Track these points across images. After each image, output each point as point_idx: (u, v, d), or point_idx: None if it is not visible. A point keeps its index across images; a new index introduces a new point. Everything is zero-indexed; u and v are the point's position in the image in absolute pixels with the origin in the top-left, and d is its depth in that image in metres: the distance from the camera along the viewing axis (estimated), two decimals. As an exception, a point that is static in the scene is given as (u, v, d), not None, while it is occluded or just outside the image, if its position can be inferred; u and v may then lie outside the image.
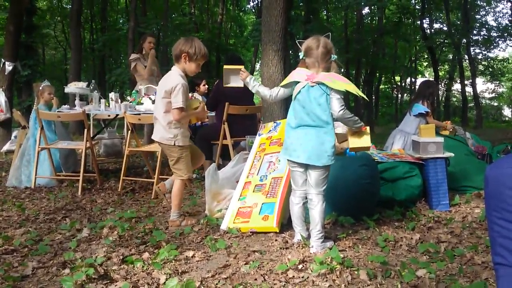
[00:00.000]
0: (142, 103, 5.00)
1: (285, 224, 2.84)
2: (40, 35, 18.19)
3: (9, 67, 7.08)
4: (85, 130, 4.29)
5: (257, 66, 28.85)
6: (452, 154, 3.51)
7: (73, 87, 5.06)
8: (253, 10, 25.04)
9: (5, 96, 6.91)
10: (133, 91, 5.56)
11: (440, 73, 23.27)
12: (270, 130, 3.51)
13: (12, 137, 7.02)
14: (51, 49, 26.23)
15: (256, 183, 3.08)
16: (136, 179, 4.43)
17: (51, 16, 23.09)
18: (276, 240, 2.60)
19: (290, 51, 13.57)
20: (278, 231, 2.70)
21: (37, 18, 16.52)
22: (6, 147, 6.93)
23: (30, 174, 4.45)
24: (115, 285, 1.98)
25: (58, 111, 4.56)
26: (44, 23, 21.22)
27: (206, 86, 6.36)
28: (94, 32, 23.22)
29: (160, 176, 4.07)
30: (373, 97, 21.98)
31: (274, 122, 3.60)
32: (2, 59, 7.19)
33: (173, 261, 2.28)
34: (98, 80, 17.58)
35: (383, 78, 25.19)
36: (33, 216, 3.35)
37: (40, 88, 4.81)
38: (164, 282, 1.99)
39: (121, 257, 2.30)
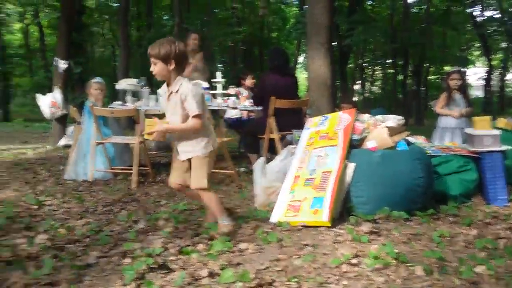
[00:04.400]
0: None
1: (337, 218, 2.84)
2: (89, 34, 18.82)
3: (63, 65, 7.41)
4: (137, 125, 4.45)
5: (300, 59, 28.67)
6: (510, 147, 3.38)
7: (124, 84, 5.24)
8: (296, 2, 24.83)
9: (60, 93, 7.25)
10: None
11: (493, 63, 22.22)
12: (318, 124, 3.51)
13: (68, 132, 7.37)
14: (99, 46, 27.15)
15: (306, 177, 3.09)
16: (186, 172, 4.53)
17: (99, 14, 23.87)
18: (327, 234, 2.61)
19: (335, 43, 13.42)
20: (329, 225, 2.71)
21: (86, 17, 17.12)
22: (62, 141, 7.30)
23: (86, 168, 4.66)
24: (173, 275, 2.06)
25: (110, 107, 4.75)
26: (92, 22, 21.98)
27: (254, 81, 6.41)
28: (141, 29, 23.79)
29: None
30: (422, 88, 21.32)
31: (322, 116, 3.59)
32: (56, 58, 7.54)
33: (227, 252, 2.34)
34: (145, 76, 18.07)
35: (432, 69, 24.37)
36: (92, 208, 3.51)
37: (90, 84, 5.02)
38: (220, 273, 2.04)
39: (178, 248, 2.39)
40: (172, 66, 2.54)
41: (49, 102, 7.16)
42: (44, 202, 3.66)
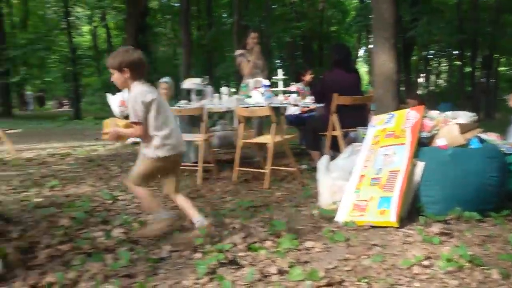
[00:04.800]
0: (250, 96, 5.18)
1: (405, 218, 2.78)
2: (153, 34, 19.56)
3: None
4: (202, 123, 4.59)
5: (360, 52, 28.05)
6: None
7: (189, 83, 5.41)
8: (356, -5, 24.32)
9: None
10: (242, 85, 5.77)
11: None
12: (384, 122, 3.43)
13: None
14: (161, 46, 28.11)
15: (372, 176, 3.04)
16: (249, 169, 4.60)
17: (161, 15, 24.72)
18: (396, 234, 2.56)
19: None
20: (397, 226, 2.65)
21: (150, 18, 17.79)
22: (131, 138, 7.64)
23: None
24: (243, 271, 2.11)
25: (176, 106, 4.91)
26: (156, 22, 22.82)
27: (312, 75, 6.39)
28: (201, 28, 24.35)
29: (272, 167, 4.21)
30: (492, 80, 20.17)
31: (389, 114, 3.51)
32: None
33: (294, 250, 2.37)
34: (206, 74, 18.52)
35: (503, 59, 22.97)
36: (162, 203, 3.66)
37: (158, 84, 5.21)
38: (288, 271, 2.07)
39: (245, 244, 2.44)
40: (127, 74, 2.60)
41: (118, 101, 7.50)
42: (118, 197, 3.87)
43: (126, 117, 7.78)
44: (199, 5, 23.45)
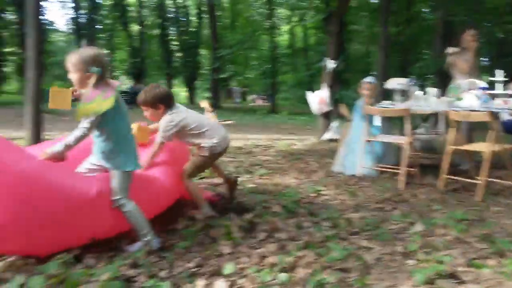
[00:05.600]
0: (461, 99, 4.78)
1: None
2: (350, 32, 19.64)
3: (331, 65, 7.96)
4: (407, 125, 4.43)
5: None
6: None
7: (394, 83, 5.28)
8: None
9: (328, 91, 7.83)
10: (451, 86, 5.37)
11: None
12: None
13: (333, 127, 7.92)
14: (355, 43, 28.00)
15: None
16: (457, 178, 4.28)
17: (358, 12, 24.60)
18: None
19: None
20: None
21: (349, 16, 17.90)
22: (327, 135, 7.88)
23: (354, 163, 4.90)
24: (466, 287, 1.98)
25: (380, 106, 4.84)
26: (352, 20, 22.82)
27: None
28: (400, 24, 23.42)
29: (487, 178, 3.82)
30: None
31: None
32: (325, 58, 8.14)
33: (524, 275, 2.12)
34: (400, 74, 17.81)
35: None
36: (364, 203, 3.69)
37: (361, 84, 5.21)
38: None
39: (465, 259, 2.28)
40: (161, 110, 2.94)
41: (317, 99, 7.83)
42: (320, 192, 4.03)
43: (323, 114, 8.06)
44: (399, 0, 22.56)
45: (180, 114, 3.01)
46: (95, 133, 2.34)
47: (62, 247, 2.11)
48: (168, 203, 2.91)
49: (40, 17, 4.57)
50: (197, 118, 3.11)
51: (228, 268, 2.13)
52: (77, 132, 2.24)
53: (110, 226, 2.32)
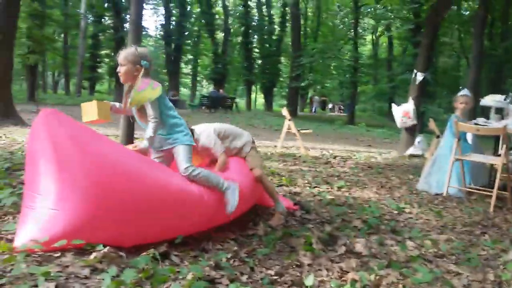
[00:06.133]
0: None
1: None
2: (439, 44, 18.80)
3: (419, 77, 7.65)
4: (504, 146, 4.13)
5: None
6: None
7: (490, 100, 4.95)
8: None
9: (413, 104, 7.53)
10: None
11: None
12: None
13: (416, 142, 7.59)
14: (444, 56, 26.72)
15: None
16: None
17: (448, 24, 23.45)
18: None
19: None
20: None
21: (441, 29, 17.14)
22: (409, 151, 7.57)
23: (439, 181, 4.66)
24: None
25: (475, 124, 4.56)
26: (442, 32, 21.80)
27: None
28: (493, 37, 22.02)
29: None
30: None
31: None
32: (415, 70, 7.84)
33: None
34: (492, 89, 16.70)
35: None
36: (450, 224, 3.49)
37: (456, 97, 4.94)
38: None
39: None
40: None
41: (401, 112, 7.55)
42: (404, 209, 3.88)
43: (406, 128, 7.74)
44: (494, 12, 21.21)
45: (208, 125, 3.21)
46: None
47: (149, 240, 2.22)
48: (248, 206, 2.98)
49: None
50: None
51: (309, 280, 2.12)
52: (151, 124, 2.49)
53: (196, 224, 2.41)
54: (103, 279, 1.75)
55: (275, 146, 8.07)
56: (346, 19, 25.62)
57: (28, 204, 2.00)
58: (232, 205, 2.58)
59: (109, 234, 2.06)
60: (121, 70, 2.56)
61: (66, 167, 1.95)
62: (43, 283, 1.62)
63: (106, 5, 23.80)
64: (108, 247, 2.01)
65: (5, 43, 6.87)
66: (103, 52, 28.26)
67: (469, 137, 4.76)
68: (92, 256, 1.92)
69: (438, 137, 4.97)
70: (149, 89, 2.48)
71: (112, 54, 24.72)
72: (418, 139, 7.58)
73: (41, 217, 1.95)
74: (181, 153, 2.54)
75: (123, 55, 2.55)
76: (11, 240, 2.06)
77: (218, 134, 3.13)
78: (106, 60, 28.45)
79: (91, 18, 26.20)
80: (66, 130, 2.01)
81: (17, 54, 13.13)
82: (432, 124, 5.15)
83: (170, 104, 2.67)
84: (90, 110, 2.51)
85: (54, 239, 1.90)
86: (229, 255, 2.32)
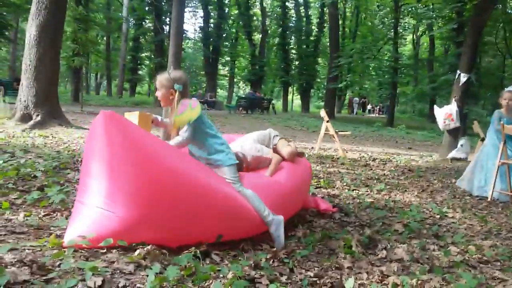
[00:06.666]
0: None
1: None
2: (484, 44, 18.16)
3: (463, 78, 7.41)
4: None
5: None
6: None
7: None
8: None
9: (457, 106, 7.30)
10: None
11: None
12: None
13: (458, 145, 7.36)
14: (488, 56, 25.77)
15: None
16: None
17: (493, 22, 22.60)
18: None
19: None
20: None
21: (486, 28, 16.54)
22: (452, 154, 7.35)
23: (482, 182, 4.52)
24: None
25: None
26: (485, 31, 21.03)
27: None
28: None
29: None
30: None
31: None
32: (458, 71, 7.60)
33: None
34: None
35: None
36: (496, 230, 3.37)
37: (502, 93, 4.77)
38: None
39: None
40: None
41: (444, 114, 7.34)
42: (446, 214, 3.78)
43: (449, 131, 7.52)
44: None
45: (243, 138, 3.26)
46: (196, 145, 2.64)
47: (193, 241, 2.26)
48: (296, 210, 3.00)
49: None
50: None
51: (349, 283, 2.10)
52: (180, 138, 2.57)
53: (237, 228, 2.44)
54: (147, 275, 1.80)
55: (312, 148, 8.02)
56: (386, 19, 25.12)
57: (80, 199, 2.09)
58: (279, 242, 2.57)
59: (154, 235, 2.12)
60: (158, 95, 2.67)
61: (119, 167, 2.02)
62: (91, 278, 1.69)
63: (147, 8, 24.39)
64: (151, 245, 2.07)
65: (53, 46, 7.17)
66: (143, 54, 28.96)
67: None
68: (136, 253, 1.99)
69: (482, 140, 4.81)
70: (188, 111, 2.55)
71: (152, 56, 25.31)
72: (461, 142, 7.34)
73: (90, 214, 2.03)
74: (227, 175, 2.57)
75: (158, 80, 2.65)
76: (60, 236, 2.15)
77: (258, 141, 3.18)
78: (147, 62, 29.13)
79: (132, 22, 26.91)
80: (122, 132, 2.08)
81: (63, 57, 13.63)
82: (476, 126, 4.98)
83: (210, 122, 2.70)
84: (132, 120, 2.59)
85: (101, 237, 1.98)
86: (268, 256, 2.33)
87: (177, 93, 2.60)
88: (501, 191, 4.39)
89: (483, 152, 4.73)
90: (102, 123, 2.05)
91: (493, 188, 4.35)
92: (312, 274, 2.21)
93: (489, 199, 4.35)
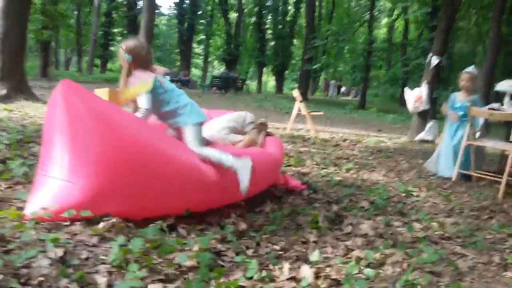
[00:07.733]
0: None
1: None
2: (455, 29, 18.46)
3: (435, 60, 7.53)
4: (516, 131, 4.09)
5: None
6: None
7: (506, 85, 4.88)
8: None
9: (427, 89, 7.44)
10: None
11: None
12: None
13: (427, 128, 7.53)
14: (461, 42, 26.22)
15: None
16: None
17: (467, 8, 22.95)
18: None
19: None
20: None
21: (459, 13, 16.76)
22: (420, 136, 7.51)
23: (448, 164, 4.64)
24: None
25: (489, 109, 4.50)
26: (459, 16, 21.33)
27: None
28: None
29: None
30: None
31: None
32: (430, 53, 7.72)
33: None
34: (508, 76, 16.39)
35: None
36: (458, 209, 3.48)
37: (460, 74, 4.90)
38: None
39: None
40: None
41: (414, 96, 7.47)
42: (412, 192, 3.87)
43: (419, 113, 7.67)
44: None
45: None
46: (157, 112, 2.66)
47: (158, 214, 2.25)
48: (268, 184, 3.03)
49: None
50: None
51: (314, 255, 2.13)
52: (139, 115, 2.51)
53: (203, 200, 2.44)
54: (111, 247, 1.78)
55: (285, 128, 8.05)
56: (362, 1, 25.19)
57: (42, 171, 2.03)
58: (245, 186, 2.45)
59: (118, 207, 2.09)
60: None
61: (80, 137, 1.97)
62: (52, 249, 1.66)
63: (119, -18, 23.72)
64: (116, 218, 2.04)
65: (20, 19, 6.88)
66: (116, 30, 28.24)
67: (481, 122, 4.72)
68: (100, 226, 1.96)
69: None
70: (138, 85, 2.51)
71: (125, 32, 24.70)
72: (429, 124, 7.50)
73: (53, 186, 1.98)
74: (188, 135, 2.57)
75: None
76: (21, 208, 2.10)
77: (233, 120, 3.26)
78: (119, 38, 28.43)
79: (104, -4, 26.14)
80: (83, 101, 2.02)
81: (31, 30, 13.16)
82: (444, 109, 5.08)
83: (171, 87, 2.67)
84: (102, 97, 2.56)
85: (63, 209, 1.94)
86: (235, 230, 2.35)
87: (127, 64, 2.56)
88: (464, 171, 4.52)
89: (445, 135, 4.87)
90: (62, 92, 1.99)
91: (457, 168, 4.48)
92: (278, 248, 2.24)
93: (453, 179, 4.47)
